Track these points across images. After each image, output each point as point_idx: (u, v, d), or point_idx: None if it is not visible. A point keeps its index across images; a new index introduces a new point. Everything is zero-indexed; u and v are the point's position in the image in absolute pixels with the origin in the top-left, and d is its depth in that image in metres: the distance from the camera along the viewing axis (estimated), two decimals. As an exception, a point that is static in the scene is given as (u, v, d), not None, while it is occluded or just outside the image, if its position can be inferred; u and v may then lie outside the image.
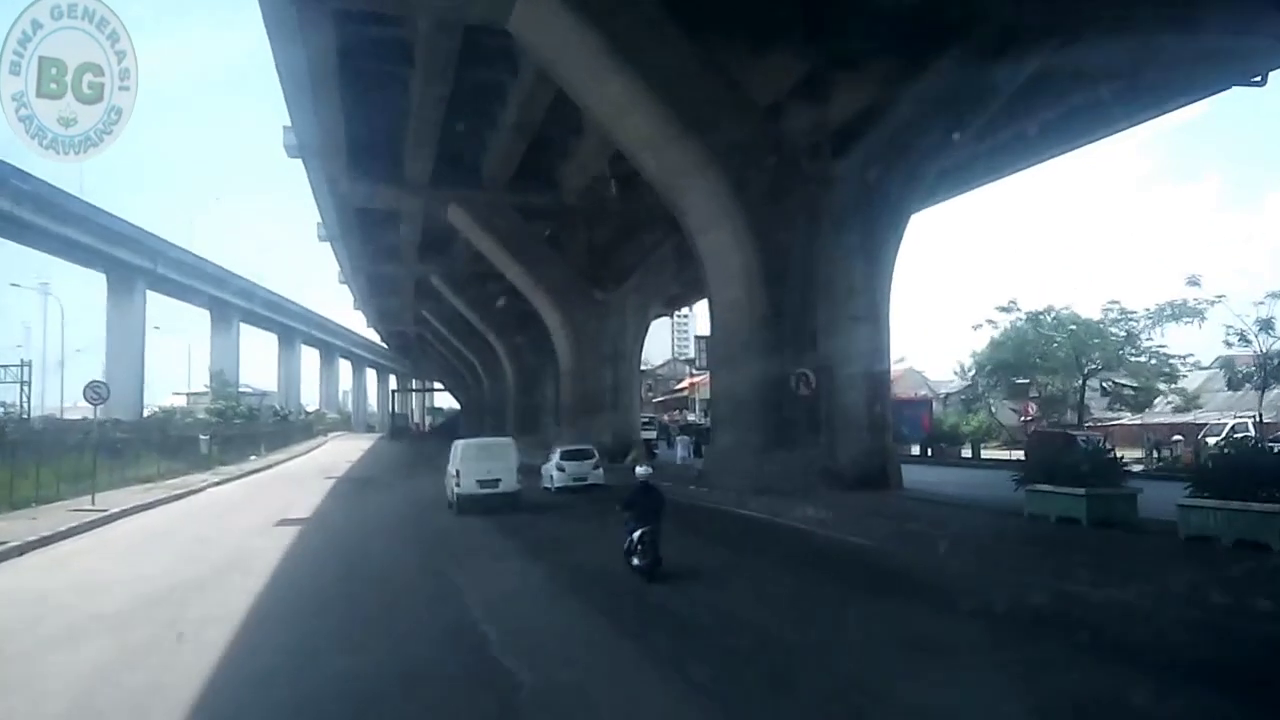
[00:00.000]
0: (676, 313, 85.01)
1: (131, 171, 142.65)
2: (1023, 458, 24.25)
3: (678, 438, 30.44)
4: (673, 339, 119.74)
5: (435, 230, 43.59)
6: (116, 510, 20.90)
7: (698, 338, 59.06)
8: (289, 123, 33.57)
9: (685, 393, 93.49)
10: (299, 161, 35.94)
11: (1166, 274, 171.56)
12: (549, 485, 25.88)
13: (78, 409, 68.03)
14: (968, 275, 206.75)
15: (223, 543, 16.12)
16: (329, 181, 36.63)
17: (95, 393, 22.14)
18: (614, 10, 19.49)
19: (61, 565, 14.15)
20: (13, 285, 54.55)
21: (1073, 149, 31.52)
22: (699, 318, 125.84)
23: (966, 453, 41.68)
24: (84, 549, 16.05)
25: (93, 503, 21.55)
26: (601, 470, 26.32)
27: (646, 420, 51.13)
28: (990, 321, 48.13)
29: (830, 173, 21.51)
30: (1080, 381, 43.09)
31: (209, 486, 30.66)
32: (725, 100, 20.69)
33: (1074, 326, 44.02)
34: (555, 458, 26.53)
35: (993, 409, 47.72)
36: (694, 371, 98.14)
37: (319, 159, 34.53)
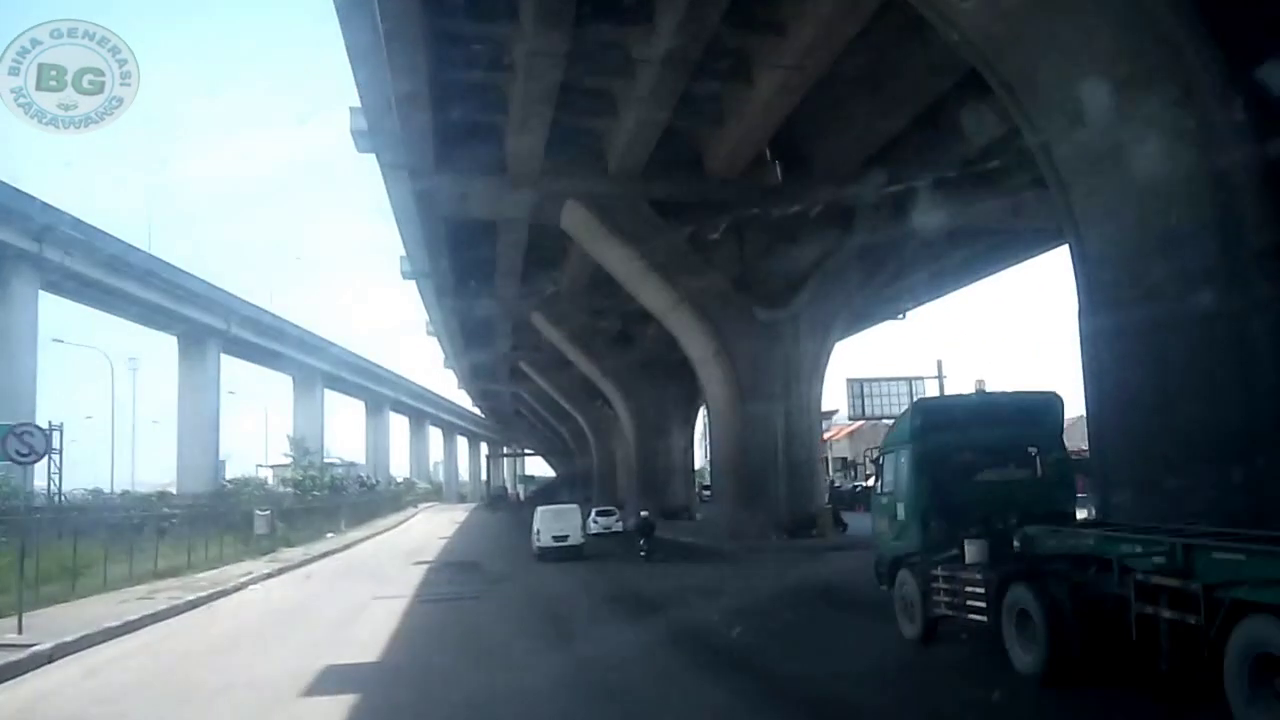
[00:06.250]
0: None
1: (198, 228, 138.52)
2: None
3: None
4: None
5: (541, 247, 34.95)
6: (46, 647, 11.72)
7: (850, 381, 48.65)
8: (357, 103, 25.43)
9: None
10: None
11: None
12: (588, 531, 31.66)
13: (158, 482, 62.31)
14: None
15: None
16: (411, 178, 27.99)
17: (24, 444, 13.01)
18: None
19: None
20: (55, 340, 47.70)
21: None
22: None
23: None
24: None
25: (19, 631, 12.55)
26: (621, 522, 37.95)
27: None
28: None
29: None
30: None
31: (251, 583, 21.65)
32: None
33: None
34: (593, 513, 37.55)
35: None
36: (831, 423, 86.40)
37: (396, 144, 26.02)
